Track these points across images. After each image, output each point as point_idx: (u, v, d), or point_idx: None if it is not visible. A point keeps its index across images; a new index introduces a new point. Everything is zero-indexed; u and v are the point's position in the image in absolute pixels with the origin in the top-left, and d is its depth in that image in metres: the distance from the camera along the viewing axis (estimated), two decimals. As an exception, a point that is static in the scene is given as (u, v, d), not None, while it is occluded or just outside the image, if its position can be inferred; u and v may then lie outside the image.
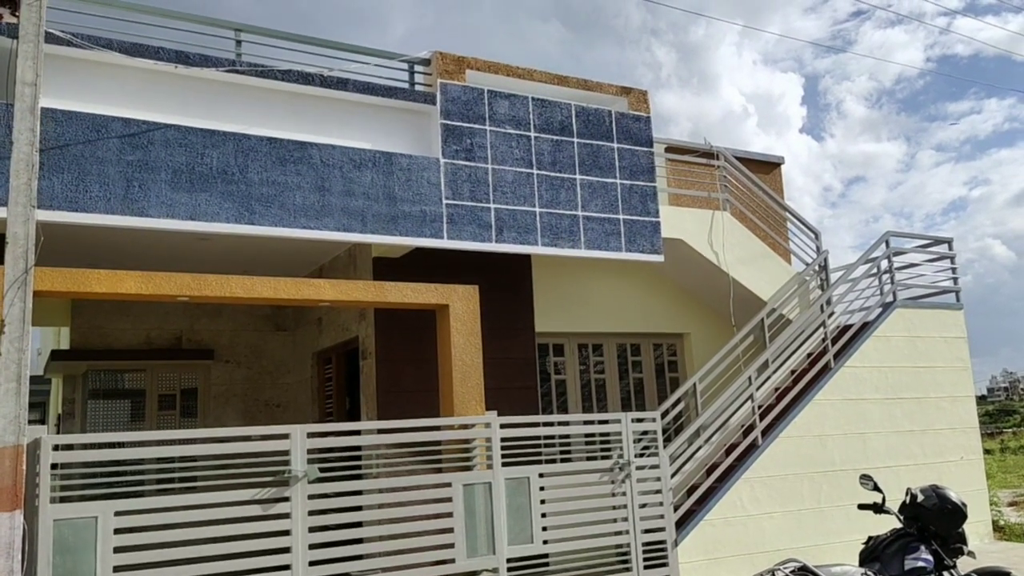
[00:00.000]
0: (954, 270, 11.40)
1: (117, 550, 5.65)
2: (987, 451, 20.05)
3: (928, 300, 11.17)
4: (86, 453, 5.97)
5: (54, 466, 5.62)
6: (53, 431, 13.47)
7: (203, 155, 7.25)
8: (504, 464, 7.29)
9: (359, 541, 6.66)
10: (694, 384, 9.23)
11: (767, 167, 14.38)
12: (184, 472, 6.30)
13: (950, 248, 11.43)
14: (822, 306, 10.22)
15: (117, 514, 5.70)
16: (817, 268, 11.14)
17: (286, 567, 6.18)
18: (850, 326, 10.55)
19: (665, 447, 8.37)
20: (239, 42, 7.83)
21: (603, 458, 7.95)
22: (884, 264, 10.83)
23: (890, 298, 10.71)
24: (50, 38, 6.57)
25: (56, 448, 5.69)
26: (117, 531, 5.67)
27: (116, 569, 5.62)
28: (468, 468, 7.21)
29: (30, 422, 5.53)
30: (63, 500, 5.67)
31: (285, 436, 6.40)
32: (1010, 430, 45.82)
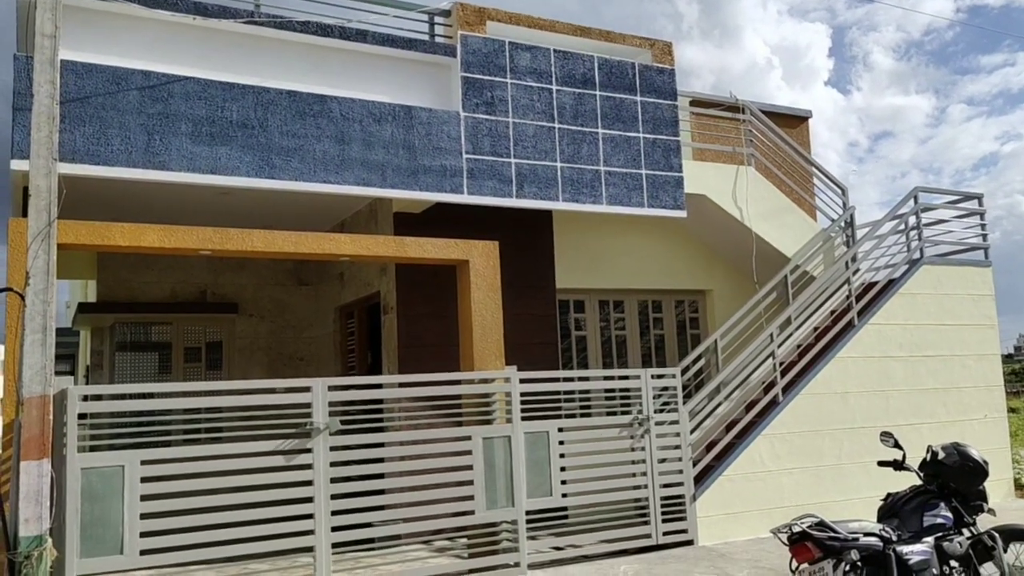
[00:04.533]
0: (983, 226, 11.18)
1: (144, 498, 5.79)
2: (1012, 410, 19.86)
3: (956, 257, 10.98)
4: (113, 404, 6.09)
5: (82, 416, 5.73)
6: (82, 383, 13.75)
7: (223, 108, 7.23)
8: (524, 419, 7.34)
9: (380, 492, 6.76)
10: (715, 341, 9.19)
11: (794, 121, 14.11)
12: (209, 423, 6.40)
13: (980, 204, 11.19)
14: (847, 263, 10.09)
15: (144, 463, 5.83)
16: (843, 224, 10.98)
17: (308, 516, 6.30)
18: (875, 283, 10.41)
19: (685, 403, 8.38)
20: (258, -7, 7.75)
21: (623, 413, 7.98)
22: (912, 220, 10.64)
23: (917, 255, 10.54)
24: (68, -11, 6.53)
25: (84, 399, 5.80)
26: (144, 479, 5.80)
27: (143, 516, 5.76)
28: (488, 422, 7.27)
29: (59, 373, 5.64)
30: (91, 449, 5.80)
31: (307, 389, 6.48)
32: (1036, 389, 45.37)
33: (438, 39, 8.58)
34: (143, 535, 5.75)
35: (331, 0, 8.05)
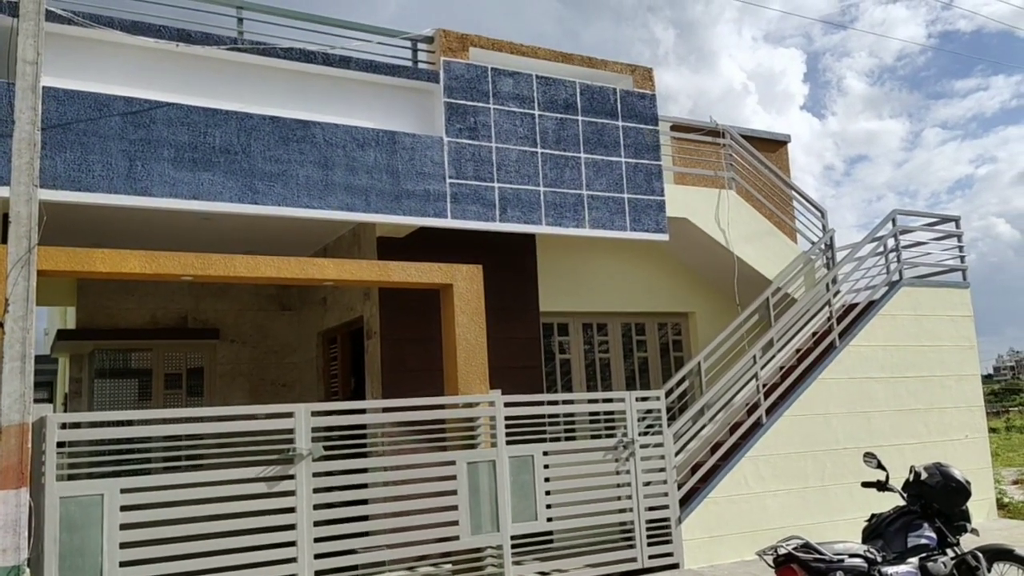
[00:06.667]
0: (961, 248, 11.33)
1: (124, 527, 5.71)
2: (992, 430, 20.03)
3: (934, 279, 11.11)
4: (92, 431, 6.01)
5: (60, 444, 5.65)
6: (61, 410, 13.57)
7: (205, 134, 7.23)
8: (508, 442, 7.32)
9: (364, 518, 6.70)
10: (699, 363, 9.23)
11: (773, 145, 14.28)
12: (190, 450, 6.33)
13: (958, 226, 11.35)
14: (828, 285, 10.19)
15: (123, 491, 5.75)
16: (823, 247, 11.09)
17: (291, 544, 6.23)
18: (856, 305, 10.51)
19: (669, 426, 8.38)
20: (241, 20, 7.78)
21: (607, 436, 7.98)
22: (891, 242, 10.77)
23: (896, 276, 10.65)
24: (51, 16, 6.54)
25: (63, 427, 5.73)
26: (123, 508, 5.72)
27: (123, 546, 5.68)
28: (472, 446, 7.24)
29: (37, 401, 5.57)
30: (70, 478, 5.71)
31: (290, 415, 6.43)
32: (1016, 409, 45.82)
33: (421, 65, 8.64)
34: (123, 565, 5.65)
35: (314, 27, 8.10)
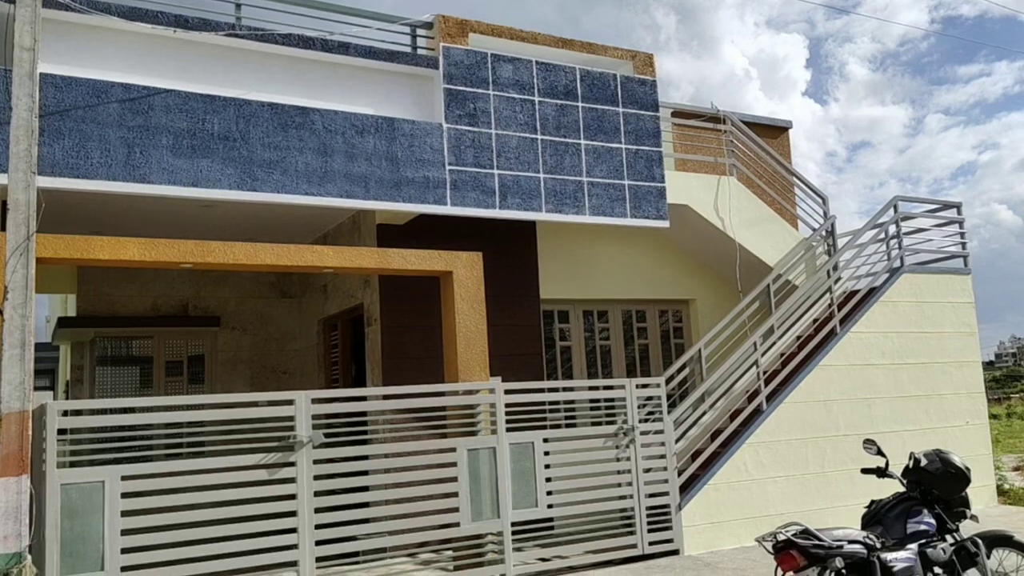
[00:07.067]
0: (962, 235, 11.29)
1: (125, 514, 5.72)
2: (994, 416, 20.08)
3: (936, 265, 11.08)
4: (93, 419, 6.02)
5: (61, 431, 5.66)
6: (63, 398, 13.61)
7: (204, 121, 7.20)
8: (509, 429, 7.32)
9: (365, 505, 6.72)
10: (699, 350, 9.22)
11: (774, 131, 14.22)
12: (191, 437, 6.34)
13: (959, 213, 11.31)
14: (829, 271, 10.16)
15: (124, 478, 5.77)
16: (824, 233, 11.06)
17: (292, 530, 6.25)
18: (857, 291, 10.49)
19: (670, 413, 8.39)
20: (239, 6, 7.74)
21: (608, 423, 7.99)
22: (892, 229, 10.74)
23: (897, 263, 10.63)
24: (48, 2, 6.51)
25: (64, 414, 5.74)
26: (125, 495, 5.74)
27: (124, 532, 5.70)
28: (473, 433, 7.25)
29: (38, 389, 5.57)
30: (71, 465, 5.73)
31: (290, 402, 6.44)
32: (1017, 395, 45.87)
33: (420, 51, 8.59)
34: (124, 551, 5.68)
35: (313, 13, 8.06)
